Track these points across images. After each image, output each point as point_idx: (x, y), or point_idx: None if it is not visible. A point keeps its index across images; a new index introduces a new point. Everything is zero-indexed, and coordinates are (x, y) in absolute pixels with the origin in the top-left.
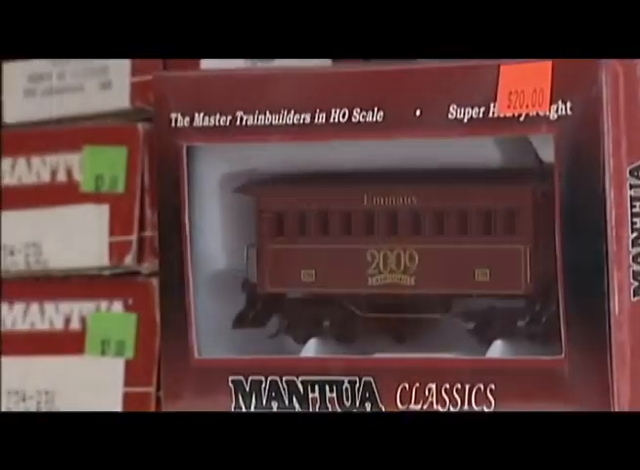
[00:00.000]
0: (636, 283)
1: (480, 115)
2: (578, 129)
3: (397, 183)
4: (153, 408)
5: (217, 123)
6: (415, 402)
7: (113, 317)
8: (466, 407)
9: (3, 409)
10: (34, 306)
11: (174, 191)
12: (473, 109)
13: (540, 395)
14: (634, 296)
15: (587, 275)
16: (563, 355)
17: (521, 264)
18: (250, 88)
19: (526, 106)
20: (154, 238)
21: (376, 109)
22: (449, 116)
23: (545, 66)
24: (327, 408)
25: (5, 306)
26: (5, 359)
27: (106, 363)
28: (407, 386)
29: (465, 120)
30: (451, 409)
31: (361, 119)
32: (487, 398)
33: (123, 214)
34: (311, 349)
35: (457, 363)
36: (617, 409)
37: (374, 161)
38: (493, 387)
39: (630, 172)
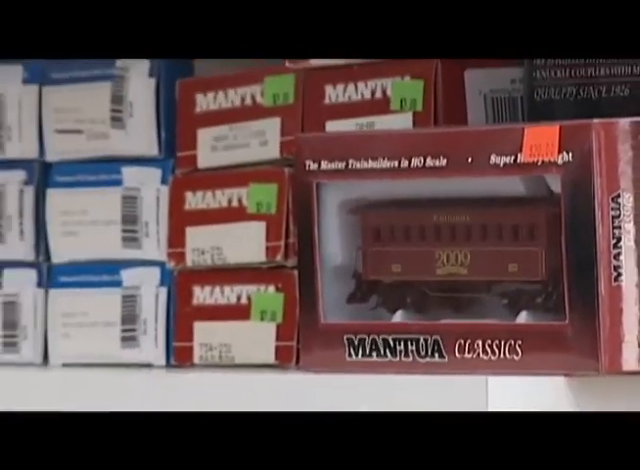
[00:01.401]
0: (615, 273)
1: (511, 161)
2: (577, 171)
3: (456, 207)
4: (294, 357)
5: (336, 167)
6: (467, 353)
7: (268, 296)
8: (502, 356)
9: (197, 356)
10: (217, 288)
11: (308, 213)
12: (506, 157)
13: (551, 348)
14: (614, 282)
15: (583, 268)
16: (567, 322)
17: (539, 260)
18: (357, 143)
19: (542, 155)
20: (295, 243)
21: (441, 157)
22: (490, 162)
23: (555, 129)
24: (409, 357)
25: (198, 288)
26: (198, 323)
27: (264, 326)
28: (462, 342)
29: (501, 165)
30: (492, 358)
31: (432, 165)
32: (516, 350)
33: (275, 228)
34: (398, 317)
35: (496, 326)
36: (602, 358)
37: (440, 192)
38: (520, 342)
39: (612, 199)
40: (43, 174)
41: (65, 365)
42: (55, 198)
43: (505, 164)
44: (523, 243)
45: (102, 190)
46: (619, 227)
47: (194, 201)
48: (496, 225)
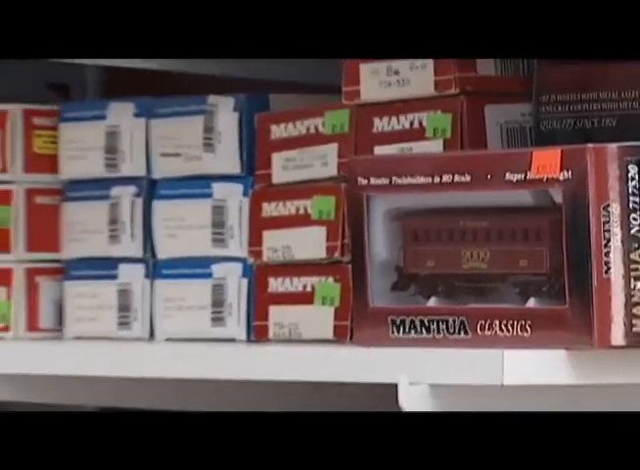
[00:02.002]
0: (605, 267)
1: (522, 178)
2: (575, 186)
3: (478, 214)
4: (349, 334)
5: (382, 183)
6: (487, 331)
7: (328, 285)
8: (514, 334)
9: (271, 333)
10: (287, 279)
11: (359, 219)
12: (518, 174)
13: (554, 327)
14: (605, 274)
15: (579, 263)
16: (566, 306)
17: (544, 258)
18: (399, 164)
19: (547, 173)
20: (349, 243)
21: (466, 174)
22: (505, 178)
23: (557, 152)
24: (440, 334)
25: (273, 279)
26: (272, 307)
27: (324, 309)
28: (483, 322)
29: (514, 181)
30: (507, 335)
31: (459, 180)
32: (526, 328)
33: (333, 231)
34: (432, 302)
35: (510, 310)
36: (595, 335)
37: (465, 202)
38: (530, 323)
39: (603, 208)
40: (150, 189)
41: (167, 340)
42: (159, 207)
43: (517, 181)
44: (531, 243)
45: (196, 201)
46: (609, 231)
47: (269, 209)
48: (510, 229)
